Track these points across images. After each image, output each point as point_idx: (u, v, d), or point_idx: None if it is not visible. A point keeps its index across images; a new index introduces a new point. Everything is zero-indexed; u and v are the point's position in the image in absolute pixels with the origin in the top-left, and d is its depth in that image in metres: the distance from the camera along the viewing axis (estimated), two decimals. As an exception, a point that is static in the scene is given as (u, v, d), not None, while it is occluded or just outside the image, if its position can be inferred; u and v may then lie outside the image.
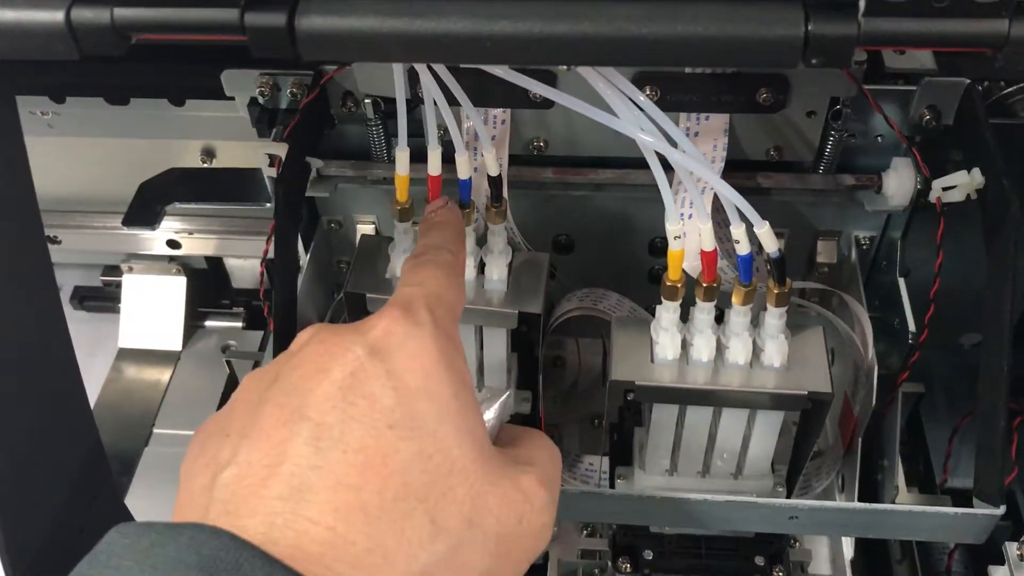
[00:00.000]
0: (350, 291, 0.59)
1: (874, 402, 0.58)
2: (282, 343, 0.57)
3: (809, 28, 0.32)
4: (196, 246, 0.79)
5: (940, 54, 0.58)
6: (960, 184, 0.54)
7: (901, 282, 0.62)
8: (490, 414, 0.41)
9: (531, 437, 0.41)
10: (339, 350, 0.34)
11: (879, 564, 0.72)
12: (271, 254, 0.57)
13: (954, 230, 0.58)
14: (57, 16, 0.34)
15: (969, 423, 0.77)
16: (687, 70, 0.54)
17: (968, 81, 0.56)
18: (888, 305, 0.64)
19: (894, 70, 0.58)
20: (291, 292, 0.58)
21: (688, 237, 0.50)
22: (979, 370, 0.54)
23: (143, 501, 0.73)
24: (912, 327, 0.59)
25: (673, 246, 0.49)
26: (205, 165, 0.70)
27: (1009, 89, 0.61)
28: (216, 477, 0.31)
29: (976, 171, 0.54)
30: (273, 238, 0.55)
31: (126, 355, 0.83)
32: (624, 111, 0.46)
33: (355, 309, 0.60)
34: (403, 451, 0.31)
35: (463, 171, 0.53)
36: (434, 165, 0.53)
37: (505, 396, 0.42)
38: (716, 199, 0.49)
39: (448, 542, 0.31)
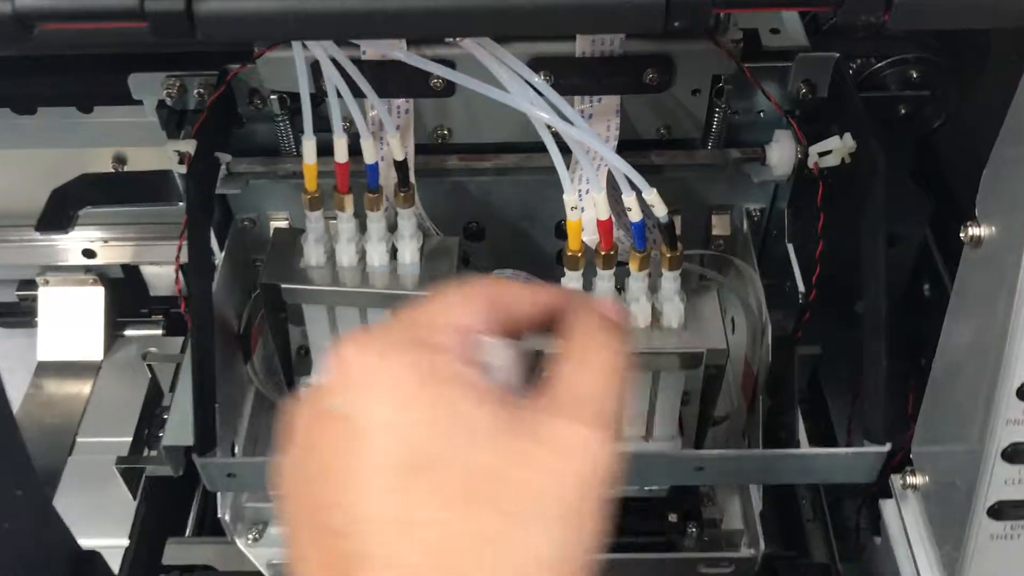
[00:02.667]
0: (265, 282, 0.61)
1: (770, 358, 0.61)
2: (201, 337, 0.58)
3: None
4: (112, 254, 0.79)
5: (811, 33, 0.62)
6: (835, 149, 0.59)
7: (790, 247, 0.66)
8: (501, 361, 0.35)
9: (572, 363, 0.34)
10: (318, 418, 0.32)
11: (792, 525, 0.76)
12: (186, 255, 0.58)
13: (840, 202, 0.62)
14: (-42, 7, 0.36)
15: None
16: (577, 54, 0.57)
17: (837, 55, 0.61)
18: (781, 272, 0.68)
19: (771, 48, 0.62)
20: (207, 285, 0.59)
21: (585, 210, 0.53)
22: (863, 330, 0.58)
23: (68, 508, 0.73)
24: (801, 287, 0.63)
25: (571, 216, 0.52)
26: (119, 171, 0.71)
27: (879, 64, 0.66)
28: None
29: (848, 136, 0.58)
30: (186, 233, 0.56)
31: (46, 368, 0.83)
32: (518, 90, 0.49)
33: (271, 300, 0.62)
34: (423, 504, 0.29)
35: (369, 156, 0.55)
36: (341, 152, 0.56)
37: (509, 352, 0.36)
38: (610, 179, 0.52)
39: (496, 543, 0.29)
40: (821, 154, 0.59)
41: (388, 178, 0.59)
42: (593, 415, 0.32)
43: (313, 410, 0.32)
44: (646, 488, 0.66)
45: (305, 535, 0.31)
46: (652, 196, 0.51)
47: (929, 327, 0.56)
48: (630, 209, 0.51)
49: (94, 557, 0.58)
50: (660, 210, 0.51)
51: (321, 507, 0.30)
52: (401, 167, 0.57)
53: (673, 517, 0.64)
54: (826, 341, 0.75)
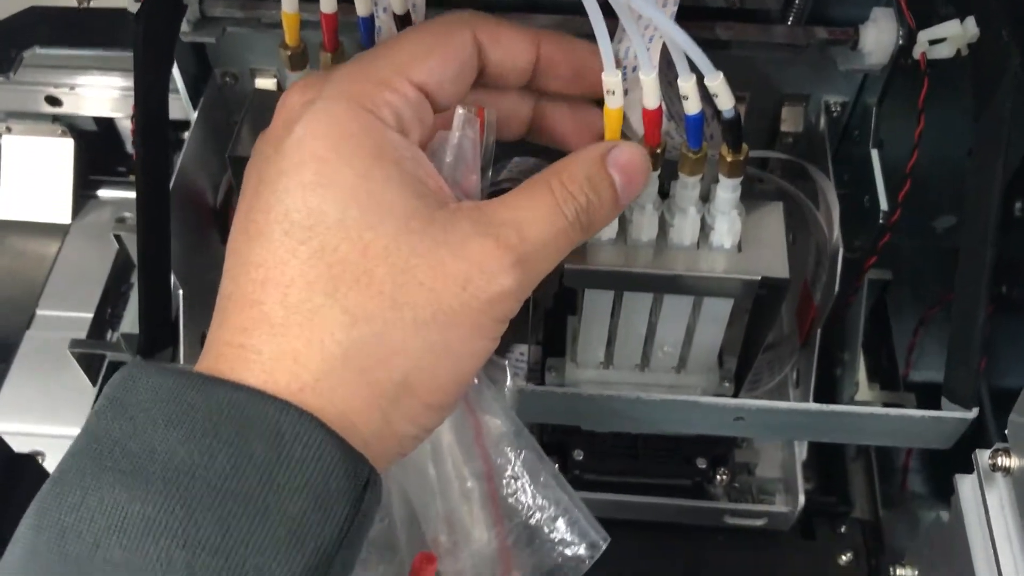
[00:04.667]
0: (235, 155, 0.51)
1: (837, 289, 0.51)
2: (150, 222, 0.49)
3: None
4: (80, 103, 0.69)
5: None
6: (951, 36, 0.46)
7: (874, 154, 0.54)
8: (447, 157, 0.36)
9: (528, 191, 0.34)
10: (252, 160, 0.34)
11: (834, 461, 0.67)
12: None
13: (934, 97, 0.50)
14: None
15: (938, 313, 0.72)
16: None
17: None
18: (857, 181, 0.57)
19: (880, -99, 0.49)
20: (160, 148, 0.49)
21: (629, 94, 0.42)
22: (958, 255, 0.47)
23: (22, 389, 0.66)
24: (884, 205, 0.52)
25: (609, 103, 0.40)
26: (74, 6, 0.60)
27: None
28: None
29: (970, 20, 0.46)
30: (134, 84, 0.46)
31: (7, 227, 0.74)
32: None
33: (241, 176, 0.51)
34: (301, 253, 0.30)
35: (362, 6, 0.44)
36: (327, 1, 0.44)
37: (465, 134, 0.36)
38: (661, 58, 0.41)
39: (369, 327, 0.30)
40: (932, 42, 0.47)
41: (388, 36, 0.47)
42: (507, 239, 0.32)
43: (255, 150, 0.34)
44: (672, 426, 0.56)
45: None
46: (717, 83, 0.39)
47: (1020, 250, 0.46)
48: (686, 98, 0.40)
49: (28, 461, 0.51)
50: (725, 101, 0.40)
51: (235, 228, 0.33)
52: (403, 22, 0.46)
53: (702, 462, 0.55)
54: (894, 260, 0.65)
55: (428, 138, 0.36)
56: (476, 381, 0.38)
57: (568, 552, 0.36)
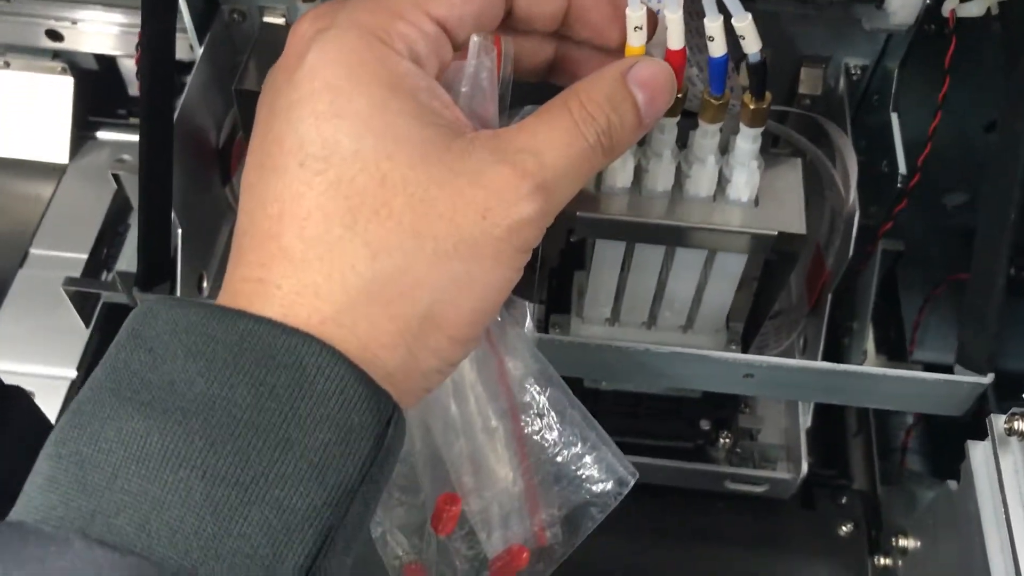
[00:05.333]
0: (242, 88, 0.50)
1: (851, 253, 0.50)
2: (152, 142, 0.47)
3: None
4: (82, 40, 0.67)
5: None
6: (982, -6, 0.45)
7: (894, 117, 0.53)
8: (463, 86, 0.34)
9: (546, 115, 0.33)
10: (264, 93, 0.33)
11: (834, 436, 0.66)
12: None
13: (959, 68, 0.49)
14: None
15: (943, 293, 0.71)
16: None
17: None
18: (875, 147, 0.56)
19: None
20: (165, 77, 0.47)
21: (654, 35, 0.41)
22: (966, 235, 0.46)
23: (13, 327, 0.64)
24: (903, 169, 0.51)
25: (632, 40, 0.39)
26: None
27: None
28: None
29: (1004, -23, 0.44)
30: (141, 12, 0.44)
31: (2, 165, 0.72)
32: None
33: (248, 111, 0.50)
34: (317, 185, 0.30)
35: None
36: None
37: (482, 63, 0.34)
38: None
39: (390, 259, 0.29)
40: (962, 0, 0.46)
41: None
42: (526, 166, 0.31)
43: (266, 83, 0.33)
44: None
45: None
46: (746, 24, 0.38)
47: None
48: (712, 39, 0.39)
49: (16, 392, 0.49)
50: (752, 44, 0.39)
51: (248, 163, 0.32)
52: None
53: (705, 424, 0.54)
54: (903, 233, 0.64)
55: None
56: (499, 319, 0.37)
57: (596, 489, 0.35)
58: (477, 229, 0.30)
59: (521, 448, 0.36)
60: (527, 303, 0.38)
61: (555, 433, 0.36)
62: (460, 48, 0.35)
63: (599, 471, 0.35)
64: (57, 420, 0.31)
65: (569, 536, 0.36)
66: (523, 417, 0.36)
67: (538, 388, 0.36)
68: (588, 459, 0.35)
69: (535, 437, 0.36)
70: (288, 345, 0.28)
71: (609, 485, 0.35)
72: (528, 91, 0.42)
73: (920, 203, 0.56)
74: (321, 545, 0.26)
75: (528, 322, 0.37)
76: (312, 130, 0.30)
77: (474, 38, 0.35)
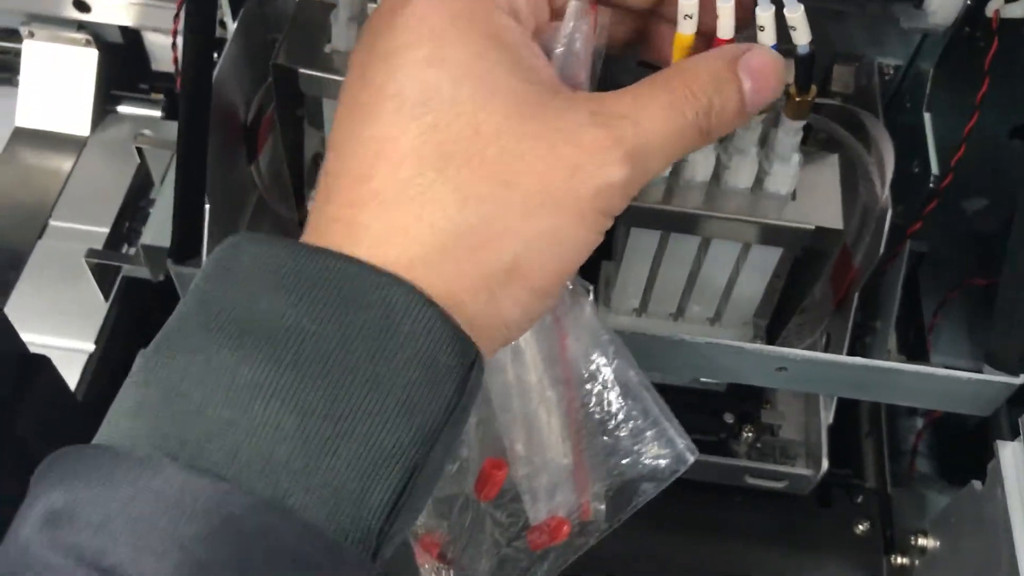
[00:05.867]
0: (279, 63, 0.49)
1: (882, 251, 0.50)
2: (191, 118, 0.47)
3: None
4: (109, 12, 0.67)
5: None
6: (1028, -5, 0.45)
7: (927, 117, 0.53)
8: (558, 48, 0.34)
9: (648, 86, 0.32)
10: (360, 43, 0.33)
11: (849, 437, 0.66)
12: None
13: (977, 77, 0.49)
14: None
15: (957, 297, 0.71)
16: None
17: None
18: (904, 149, 0.56)
19: None
20: (206, 53, 0.47)
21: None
22: (985, 241, 0.46)
23: (31, 299, 0.64)
24: (935, 169, 0.51)
25: (683, 28, 0.39)
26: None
27: None
28: None
29: (1050, -20, 0.44)
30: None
31: (23, 136, 0.71)
32: None
33: (284, 87, 0.50)
34: (413, 129, 0.30)
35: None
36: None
37: (579, 27, 0.34)
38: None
39: (480, 207, 0.29)
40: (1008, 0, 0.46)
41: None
42: (622, 131, 0.31)
43: (363, 32, 0.33)
44: (701, 380, 0.56)
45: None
46: (798, 16, 0.38)
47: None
48: (762, 28, 0.39)
49: (42, 361, 0.49)
50: (803, 35, 0.38)
51: (342, 107, 0.32)
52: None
53: (729, 418, 0.54)
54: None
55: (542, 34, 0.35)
56: (568, 287, 0.37)
57: (653, 464, 0.35)
58: (565, 186, 0.30)
59: (575, 421, 0.36)
60: (590, 285, 0.38)
61: (616, 406, 0.35)
62: (558, 12, 0.35)
63: (659, 446, 0.35)
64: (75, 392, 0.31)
65: (616, 511, 0.36)
66: (584, 387, 0.36)
67: (604, 360, 0.36)
68: (648, 433, 0.35)
69: (594, 409, 0.36)
70: (376, 284, 0.28)
71: (667, 460, 0.35)
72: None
73: (938, 207, 0.56)
74: (407, 483, 0.27)
75: (591, 297, 0.37)
76: (412, 76, 0.30)
77: (572, 2, 0.35)
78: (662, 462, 0.35)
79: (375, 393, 0.27)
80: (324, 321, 0.27)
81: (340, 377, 0.26)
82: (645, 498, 0.36)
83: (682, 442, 0.35)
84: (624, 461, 0.35)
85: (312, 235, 0.30)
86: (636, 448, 0.35)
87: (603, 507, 0.36)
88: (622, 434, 0.35)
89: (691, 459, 0.35)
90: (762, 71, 0.34)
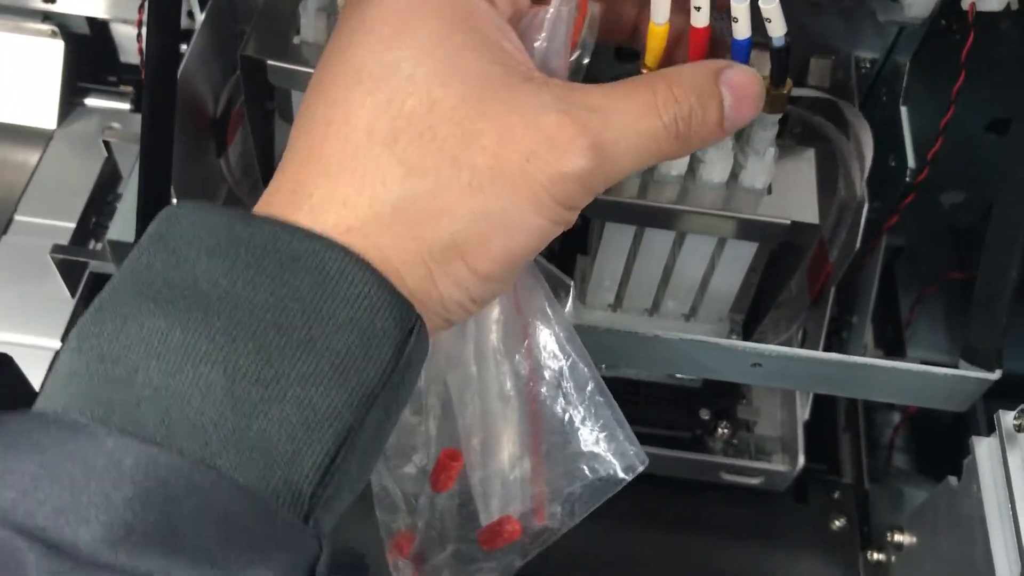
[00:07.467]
0: (248, 55, 0.48)
1: (858, 245, 0.49)
2: (155, 108, 0.46)
3: None
4: (75, 3, 0.66)
5: None
6: (1004, -13, 0.45)
7: (903, 111, 0.53)
8: (537, 34, 0.34)
9: (627, 84, 0.32)
10: (341, 18, 0.33)
11: (826, 432, 0.66)
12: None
13: (954, 69, 0.49)
14: None
15: (934, 293, 0.71)
16: None
17: None
18: (881, 144, 0.55)
19: None
20: (170, 43, 0.46)
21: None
22: (991, 218, 0.46)
23: (-5, 295, 0.63)
24: (912, 163, 0.51)
25: (656, 16, 0.39)
26: None
27: None
28: None
29: (1027, -28, 0.44)
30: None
31: (-12, 129, 0.70)
32: None
33: (253, 79, 0.49)
34: (368, 104, 0.30)
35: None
36: None
37: (561, 12, 0.33)
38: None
39: (423, 181, 0.29)
40: (983, -7, 0.46)
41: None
42: (587, 122, 0.30)
43: (345, 8, 0.33)
44: (677, 376, 0.55)
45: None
46: (772, 7, 0.37)
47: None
48: (736, 20, 0.38)
49: (3, 359, 0.48)
50: (777, 28, 0.38)
51: (310, 85, 0.32)
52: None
53: (705, 414, 0.54)
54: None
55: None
56: (533, 285, 0.36)
57: (602, 472, 0.34)
58: (519, 170, 0.30)
59: (534, 422, 0.35)
60: (571, 281, 0.37)
61: (571, 408, 0.35)
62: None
63: (609, 453, 0.35)
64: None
65: (567, 516, 0.36)
66: (540, 389, 0.35)
67: (562, 358, 0.35)
68: (600, 439, 0.35)
69: (549, 411, 0.35)
70: (311, 249, 0.28)
71: (617, 469, 0.35)
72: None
73: (915, 200, 0.56)
74: (340, 445, 0.27)
75: (570, 299, 0.37)
76: (374, 52, 0.30)
77: None
78: (612, 470, 0.35)
79: (308, 356, 0.27)
80: (258, 286, 0.27)
81: (273, 340, 0.26)
82: (594, 505, 0.35)
83: (632, 451, 0.35)
84: (575, 465, 0.35)
85: (261, 205, 0.30)
86: (587, 452, 0.35)
87: (558, 510, 0.36)
88: (574, 437, 0.35)
89: (640, 469, 0.35)
90: (743, 90, 0.33)
